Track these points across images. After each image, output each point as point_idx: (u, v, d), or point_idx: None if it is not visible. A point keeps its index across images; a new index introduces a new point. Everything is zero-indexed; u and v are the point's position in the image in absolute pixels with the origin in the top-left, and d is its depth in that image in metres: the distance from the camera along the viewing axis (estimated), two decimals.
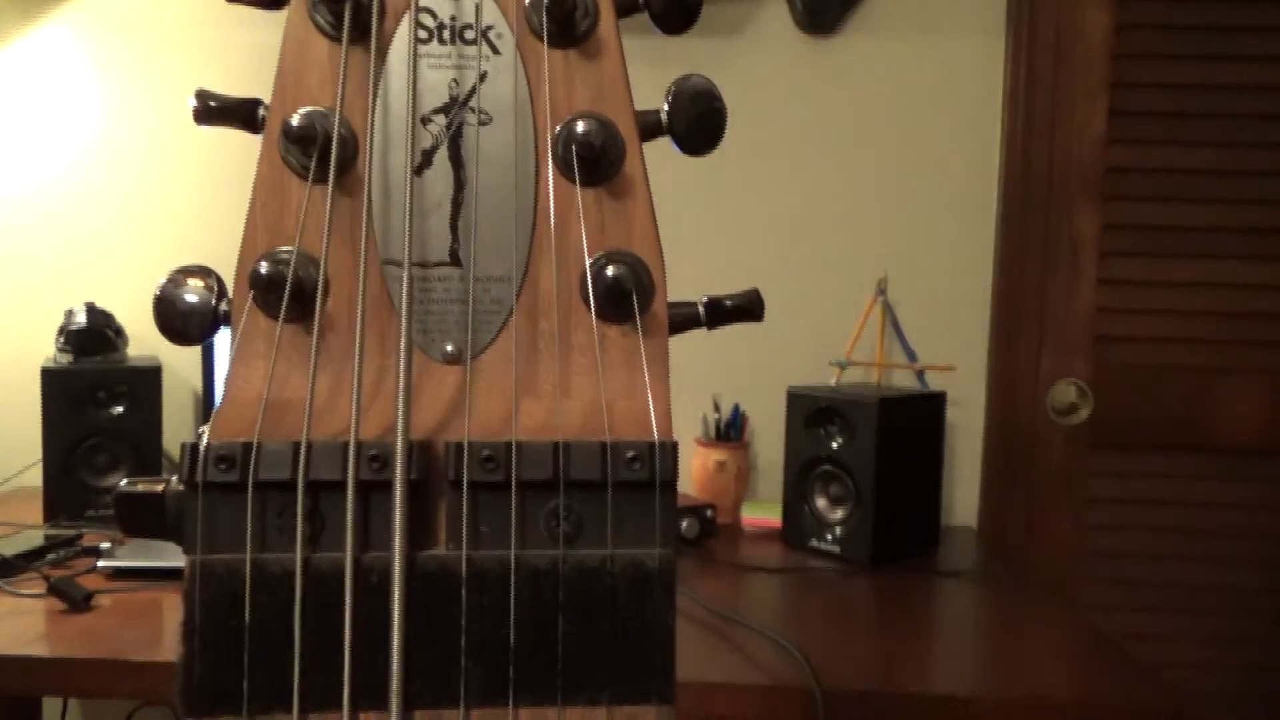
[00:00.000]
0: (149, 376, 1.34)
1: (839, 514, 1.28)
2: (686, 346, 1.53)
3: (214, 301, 0.34)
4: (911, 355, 1.46)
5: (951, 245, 1.49)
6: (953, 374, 1.45)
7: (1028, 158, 1.44)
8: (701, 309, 0.35)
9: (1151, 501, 1.47)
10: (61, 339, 1.34)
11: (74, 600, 0.98)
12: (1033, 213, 1.45)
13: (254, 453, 0.30)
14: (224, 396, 0.32)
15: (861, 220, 1.50)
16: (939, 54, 1.47)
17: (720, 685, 0.87)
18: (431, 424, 0.32)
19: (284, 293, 0.31)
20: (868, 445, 1.23)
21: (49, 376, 1.29)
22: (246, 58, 1.42)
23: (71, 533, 1.21)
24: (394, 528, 0.29)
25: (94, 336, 1.34)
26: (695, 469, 1.44)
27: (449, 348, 0.33)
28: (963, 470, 1.52)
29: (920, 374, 1.44)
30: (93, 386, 1.31)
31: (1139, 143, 1.42)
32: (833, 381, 1.41)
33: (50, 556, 1.13)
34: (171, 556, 1.10)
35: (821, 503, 1.30)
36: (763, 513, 1.40)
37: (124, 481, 0.32)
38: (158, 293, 0.34)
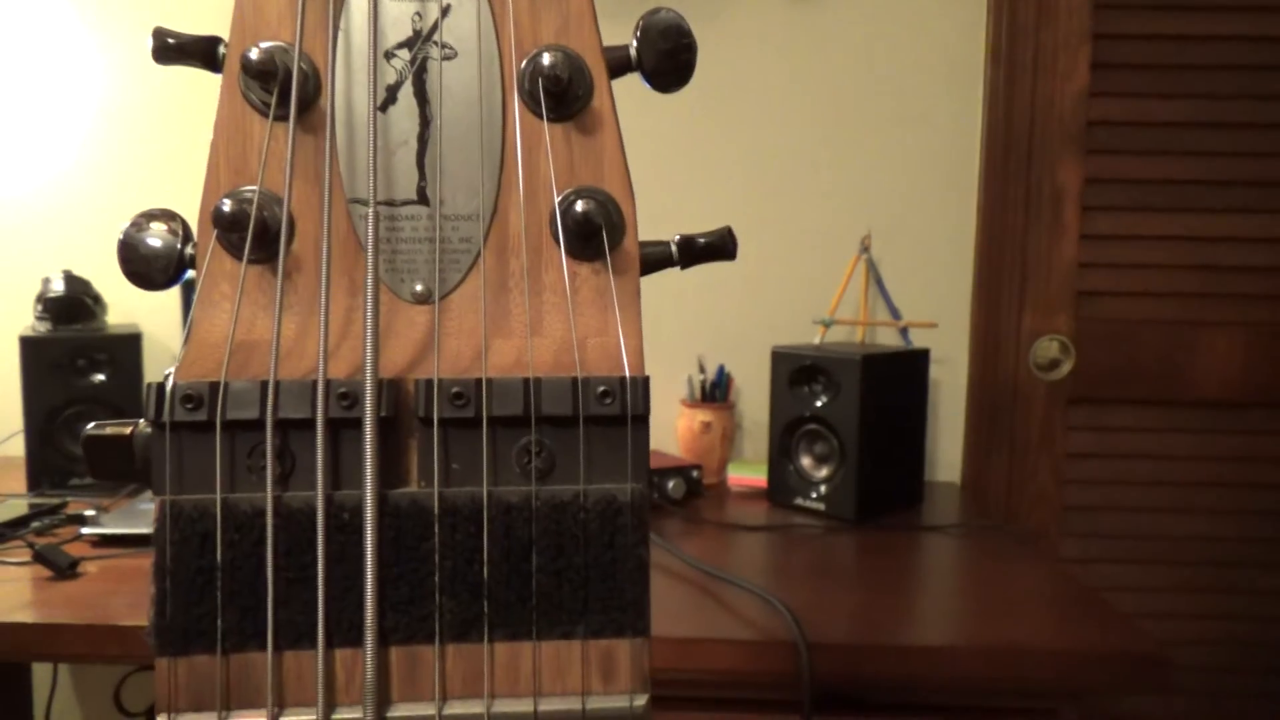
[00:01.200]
0: (129, 343, 1.33)
1: (824, 472, 1.29)
2: (671, 308, 1.52)
3: (179, 245, 0.33)
4: (895, 313, 1.46)
5: (934, 202, 1.49)
6: (936, 331, 1.45)
7: (1010, 112, 1.44)
8: (674, 248, 0.35)
9: (1131, 455, 1.48)
10: (39, 307, 1.33)
11: (59, 567, 0.98)
12: (1015, 168, 1.45)
13: (221, 392, 0.30)
14: (189, 339, 0.31)
15: (844, 178, 1.49)
16: (920, 8, 1.46)
17: (705, 640, 0.87)
18: (401, 363, 0.32)
19: (247, 232, 0.30)
20: (851, 403, 1.24)
21: (28, 345, 1.28)
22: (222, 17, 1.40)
23: (55, 501, 1.21)
24: (365, 463, 0.29)
25: (72, 304, 1.33)
26: (681, 430, 1.45)
27: (418, 287, 0.33)
28: (946, 426, 1.53)
29: (904, 331, 1.44)
30: (72, 354, 1.30)
31: (1121, 95, 1.42)
32: (817, 340, 1.41)
33: (35, 525, 1.13)
34: None
35: (806, 461, 1.31)
36: (749, 472, 1.41)
37: (91, 425, 0.31)
38: (121, 237, 0.33)
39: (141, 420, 0.31)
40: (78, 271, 1.36)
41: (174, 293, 1.45)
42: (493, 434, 0.31)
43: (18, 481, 1.31)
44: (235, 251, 0.32)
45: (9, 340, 1.46)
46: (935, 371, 1.47)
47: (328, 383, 0.30)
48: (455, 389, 0.30)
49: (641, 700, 0.31)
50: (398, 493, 0.31)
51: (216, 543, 0.29)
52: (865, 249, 1.45)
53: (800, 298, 1.49)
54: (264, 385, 0.30)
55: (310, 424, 0.30)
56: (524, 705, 0.31)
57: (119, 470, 0.31)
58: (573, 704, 0.31)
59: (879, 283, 1.47)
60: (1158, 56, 1.41)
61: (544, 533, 0.31)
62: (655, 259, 0.35)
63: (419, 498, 0.31)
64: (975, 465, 1.51)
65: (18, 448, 1.37)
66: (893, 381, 1.30)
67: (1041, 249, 1.46)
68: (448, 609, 0.30)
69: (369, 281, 0.30)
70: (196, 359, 0.31)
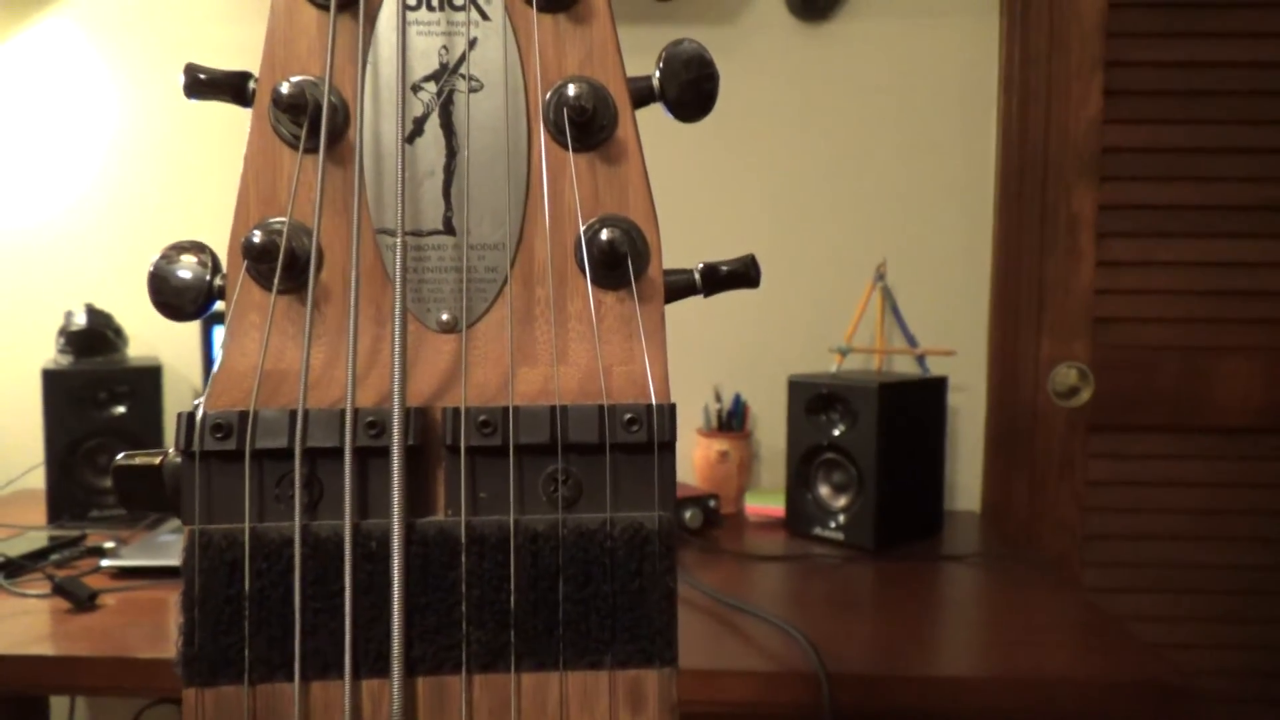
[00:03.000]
0: (149, 376, 1.34)
1: (842, 501, 1.28)
2: (687, 337, 1.53)
3: (208, 277, 0.34)
4: (912, 340, 1.46)
5: (950, 229, 1.49)
6: (954, 358, 1.45)
7: (1024, 139, 1.44)
8: (697, 276, 0.35)
9: (1152, 482, 1.47)
10: (62, 340, 1.35)
11: (79, 599, 0.98)
12: (1030, 195, 1.45)
13: (250, 421, 0.30)
14: (219, 368, 0.32)
15: (859, 206, 1.50)
16: (933, 36, 1.47)
17: (725, 672, 0.87)
18: (428, 392, 0.32)
19: (277, 262, 0.31)
20: (869, 431, 1.23)
21: (50, 378, 1.29)
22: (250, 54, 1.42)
23: (75, 533, 1.21)
24: (392, 492, 0.29)
25: (94, 337, 1.34)
26: (698, 459, 1.44)
27: (444, 316, 0.33)
28: (965, 455, 1.52)
29: (921, 359, 1.44)
30: (93, 387, 1.31)
31: (1135, 122, 1.42)
32: (833, 368, 1.41)
33: (54, 557, 1.13)
34: (175, 555, 1.10)
35: (824, 490, 1.30)
36: (766, 501, 1.40)
37: (121, 455, 0.32)
38: (151, 269, 0.34)
39: (171, 450, 0.31)
40: (99, 305, 1.38)
41: (194, 326, 1.46)
42: (519, 462, 0.31)
43: (38, 514, 1.32)
44: (264, 282, 0.32)
45: (31, 372, 1.48)
46: (953, 399, 1.47)
47: (355, 411, 0.30)
48: (482, 417, 0.30)
49: None
50: (425, 521, 0.31)
51: (245, 572, 0.29)
52: (881, 276, 1.45)
53: (816, 326, 1.49)
54: (292, 414, 0.30)
55: (338, 453, 0.30)
56: None
57: (148, 500, 0.31)
58: None
59: (895, 310, 1.47)
60: (1170, 83, 1.41)
61: (571, 561, 0.31)
62: (679, 287, 0.35)
63: (446, 526, 0.31)
64: (995, 493, 1.50)
65: (38, 480, 1.38)
66: (911, 409, 1.30)
67: (1058, 276, 1.45)
68: (475, 639, 0.30)
69: (397, 311, 0.30)
70: (225, 388, 0.31)
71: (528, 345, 0.33)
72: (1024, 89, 1.44)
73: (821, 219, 1.50)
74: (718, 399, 1.47)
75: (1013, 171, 1.45)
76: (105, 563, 1.09)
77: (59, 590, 0.99)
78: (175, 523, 1.30)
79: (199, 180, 1.52)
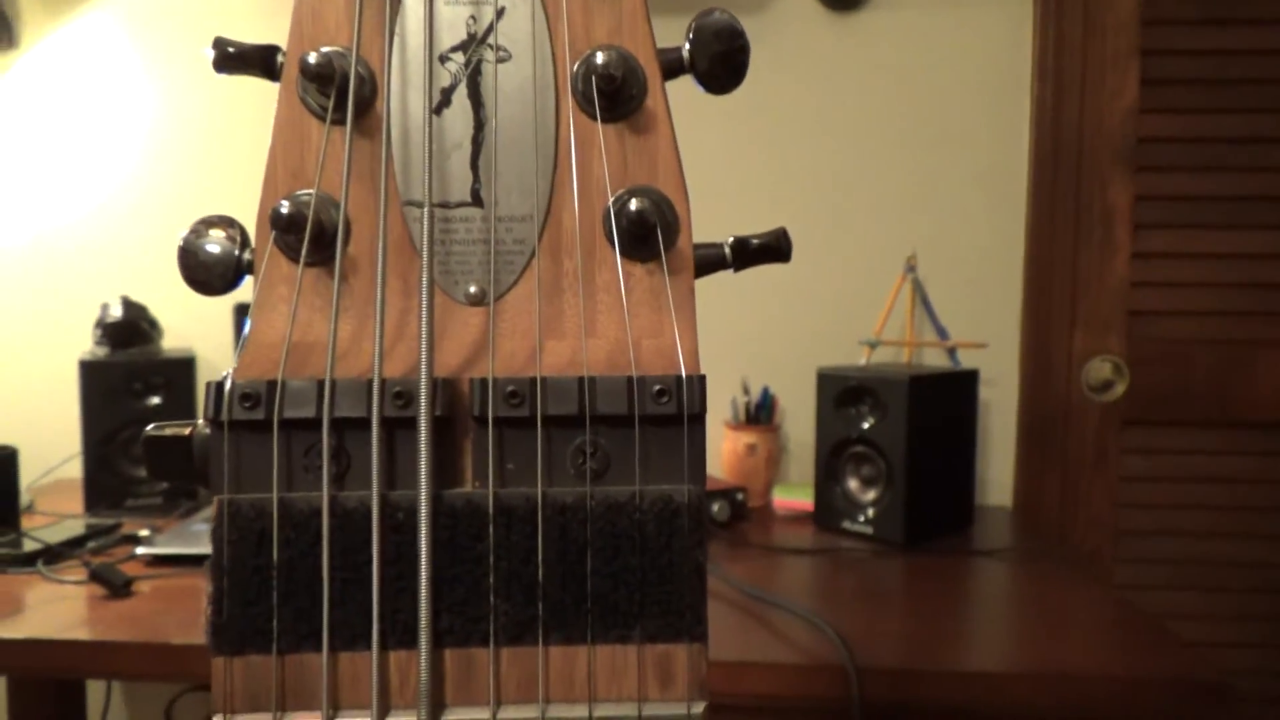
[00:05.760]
0: (183, 367, 1.36)
1: (871, 494, 1.27)
2: (715, 329, 1.52)
3: (236, 251, 0.34)
4: (943, 333, 1.44)
5: (982, 221, 1.47)
6: (986, 352, 1.43)
7: (1058, 130, 1.42)
8: (728, 249, 0.35)
9: (1188, 478, 1.44)
10: (98, 332, 1.36)
11: (115, 586, 0.99)
12: (1064, 186, 1.43)
13: (279, 390, 0.30)
14: (247, 340, 0.32)
15: (889, 197, 1.48)
16: (965, 25, 1.45)
17: (753, 664, 0.86)
18: (455, 364, 0.32)
19: (304, 233, 0.31)
20: (899, 424, 1.22)
21: (86, 369, 1.31)
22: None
23: (111, 522, 1.23)
24: (419, 462, 0.29)
25: (129, 329, 1.36)
26: (725, 452, 1.44)
27: (472, 289, 0.33)
28: (997, 449, 1.50)
29: (952, 352, 1.42)
30: (129, 378, 1.33)
31: (1171, 111, 1.39)
32: (862, 361, 1.40)
33: (91, 544, 1.15)
34: (208, 543, 1.12)
35: (853, 483, 1.29)
36: (794, 495, 1.39)
37: (151, 425, 0.32)
38: (180, 244, 0.34)
39: (200, 421, 0.31)
40: (135, 298, 1.40)
41: (227, 317, 1.48)
42: (547, 434, 0.31)
43: (75, 503, 1.34)
44: (292, 254, 0.32)
45: (69, 365, 1.50)
46: (985, 393, 1.45)
47: (383, 382, 0.30)
48: (510, 388, 0.30)
49: (699, 708, 0.31)
50: (452, 493, 0.31)
51: (273, 542, 0.29)
52: (911, 268, 1.43)
53: (845, 319, 1.48)
54: (320, 384, 0.30)
55: (366, 423, 0.30)
56: (579, 711, 0.30)
57: (178, 471, 0.31)
58: (628, 710, 0.30)
59: (925, 303, 1.45)
60: (1207, 71, 1.38)
61: (599, 533, 0.30)
62: (709, 261, 0.34)
63: (474, 498, 0.30)
64: (1027, 488, 1.48)
65: (76, 470, 1.40)
66: (941, 402, 1.28)
67: (1092, 268, 1.43)
68: (502, 611, 0.30)
69: (424, 282, 0.30)
70: (254, 360, 0.31)
71: (555, 318, 0.33)
72: (1058, 78, 1.42)
73: (851, 210, 1.49)
74: (745, 392, 1.46)
75: (1046, 162, 1.43)
76: (140, 550, 1.10)
77: (95, 577, 1.00)
78: (208, 511, 1.31)
79: (233, 174, 1.53)
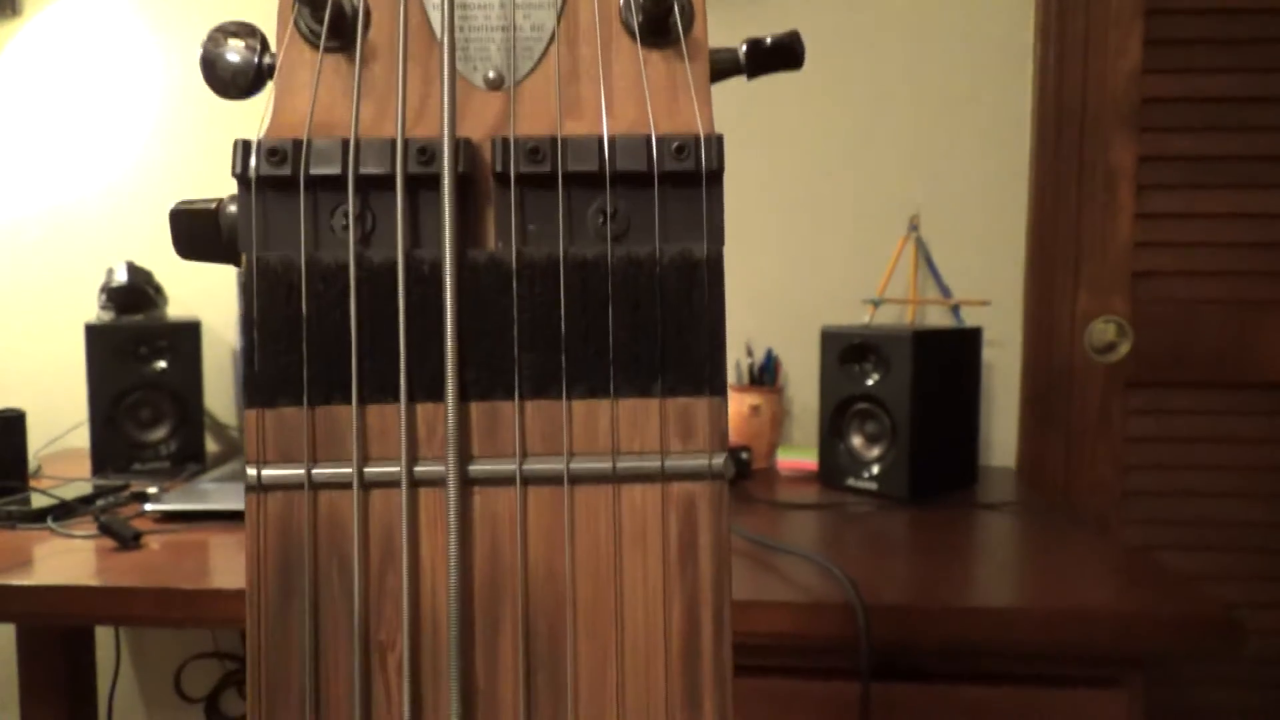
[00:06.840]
0: (189, 331, 1.36)
1: (875, 451, 1.27)
2: None
3: (256, 58, 0.34)
4: (946, 291, 1.44)
5: (985, 181, 1.48)
6: (989, 313, 1.43)
7: (1061, 90, 1.43)
8: (741, 55, 0.35)
9: (1192, 439, 1.45)
10: (104, 296, 1.37)
11: (124, 538, 0.99)
12: (1067, 146, 1.44)
13: (305, 147, 0.30)
14: (269, 122, 0.32)
15: (892, 157, 1.49)
16: None
17: (759, 602, 0.86)
18: (476, 140, 0.33)
19: (324, 12, 0.31)
20: (903, 381, 1.22)
21: (92, 333, 1.32)
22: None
23: (120, 483, 1.23)
24: (444, 215, 0.29)
25: (134, 293, 1.37)
26: (730, 414, 1.44)
27: (490, 74, 0.33)
28: (1001, 410, 1.51)
29: (955, 310, 1.42)
30: (135, 341, 1.34)
31: (1175, 71, 1.40)
32: (866, 319, 1.40)
33: (100, 502, 1.15)
34: (217, 499, 1.12)
35: (858, 440, 1.29)
36: (798, 456, 1.40)
37: (179, 201, 0.32)
38: (201, 53, 0.35)
39: (226, 196, 0.32)
40: (139, 263, 1.40)
41: (231, 287, 1.49)
42: (568, 194, 0.31)
43: (83, 469, 1.34)
44: (313, 40, 0.33)
45: (75, 333, 1.51)
46: (988, 354, 1.46)
47: (406, 142, 0.30)
48: (532, 144, 0.31)
49: (720, 459, 0.31)
50: (476, 250, 0.31)
51: (302, 293, 0.30)
52: (914, 228, 1.44)
53: (849, 280, 1.49)
54: (345, 142, 0.31)
55: (390, 182, 0.30)
56: (603, 463, 0.31)
57: (204, 247, 0.32)
58: (651, 462, 0.31)
59: (929, 262, 1.46)
60: (1211, 31, 1.39)
61: (620, 285, 0.31)
62: (723, 65, 0.35)
63: (497, 255, 0.31)
64: (1031, 449, 1.49)
65: (83, 438, 1.40)
66: (945, 359, 1.29)
67: (1095, 229, 1.44)
68: (526, 363, 0.31)
69: (445, 42, 0.30)
70: (279, 129, 0.32)
71: (574, 102, 0.33)
72: (1061, 38, 1.43)
73: (854, 170, 1.49)
74: (749, 354, 1.46)
75: (1049, 122, 1.44)
76: (149, 507, 1.11)
77: (105, 530, 1.00)
78: (216, 470, 1.31)
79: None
